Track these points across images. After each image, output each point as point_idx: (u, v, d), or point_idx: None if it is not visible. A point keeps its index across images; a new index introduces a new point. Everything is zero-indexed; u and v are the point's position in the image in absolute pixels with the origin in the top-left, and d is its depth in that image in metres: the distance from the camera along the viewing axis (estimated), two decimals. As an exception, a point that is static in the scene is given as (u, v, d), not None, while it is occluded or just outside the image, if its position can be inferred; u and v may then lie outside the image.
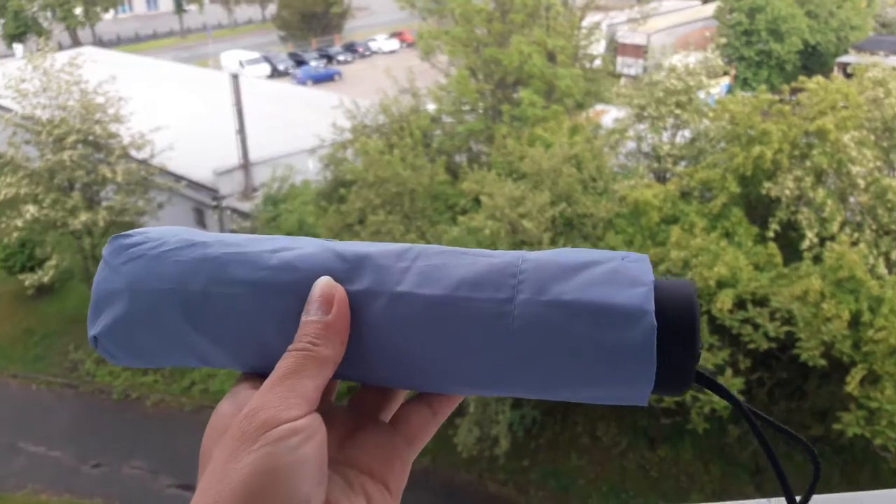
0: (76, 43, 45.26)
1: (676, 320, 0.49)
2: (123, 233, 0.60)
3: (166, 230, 0.59)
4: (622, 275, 0.51)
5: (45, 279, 16.25)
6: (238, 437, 0.48)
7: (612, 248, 12.02)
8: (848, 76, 15.10)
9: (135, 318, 0.56)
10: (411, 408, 0.59)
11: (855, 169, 11.85)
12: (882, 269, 11.46)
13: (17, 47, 42.46)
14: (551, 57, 17.25)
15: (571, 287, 0.51)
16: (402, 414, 0.59)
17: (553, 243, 12.13)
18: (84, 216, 15.53)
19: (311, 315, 0.53)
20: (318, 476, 0.49)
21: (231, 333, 0.55)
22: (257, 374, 0.55)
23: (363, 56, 44.35)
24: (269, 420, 0.48)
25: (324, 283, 0.54)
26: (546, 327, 0.50)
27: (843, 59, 26.21)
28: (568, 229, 12.74)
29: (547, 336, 0.50)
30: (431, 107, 17.02)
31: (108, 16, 52.92)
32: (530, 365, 0.51)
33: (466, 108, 16.95)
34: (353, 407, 0.60)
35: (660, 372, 0.49)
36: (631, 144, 15.40)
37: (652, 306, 0.49)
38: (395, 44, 45.41)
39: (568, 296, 0.50)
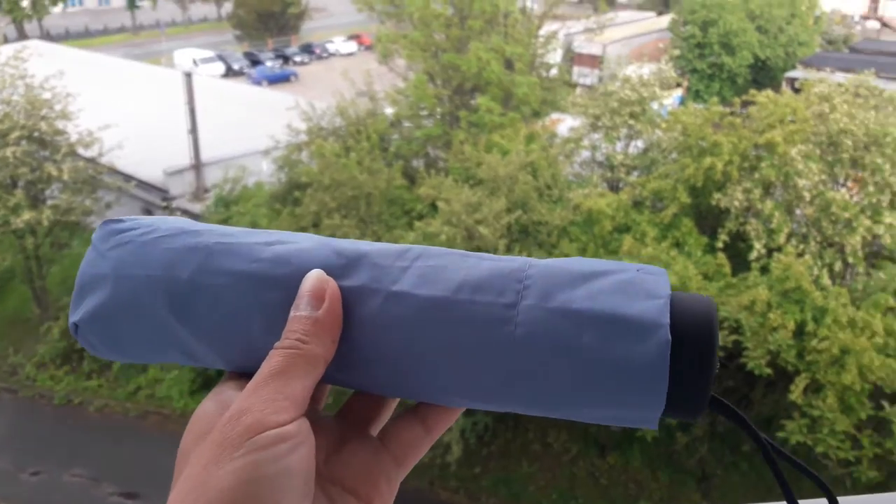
0: (22, 36, 43.88)
1: (693, 338, 0.45)
2: (115, 218, 0.57)
3: (160, 219, 0.57)
4: (636, 286, 0.47)
5: (-16, 279, 15.68)
6: (220, 442, 0.44)
7: (566, 255, 12.15)
8: (796, 91, 15.54)
9: (118, 305, 0.53)
10: (403, 424, 0.55)
11: (801, 182, 12.18)
12: (826, 281, 11.78)
13: (-40, 38, 41.02)
14: (509, 64, 17.36)
15: (580, 295, 0.47)
16: (393, 430, 0.55)
17: (509, 250, 12.17)
18: (27, 215, 15.04)
19: (301, 310, 0.49)
20: (304, 489, 0.45)
21: (216, 327, 0.51)
22: (244, 374, 0.51)
23: (320, 58, 43.99)
24: (254, 424, 0.44)
25: (315, 276, 0.50)
26: (551, 336, 0.46)
27: (792, 74, 26.97)
28: (523, 236, 12.81)
29: (551, 346, 0.46)
30: (389, 111, 16.96)
31: (57, 9, 51.48)
32: (531, 377, 0.47)
33: (424, 112, 16.94)
34: (341, 418, 0.55)
35: (672, 392, 0.45)
36: (585, 153, 15.57)
37: (667, 320, 0.45)
38: (352, 46, 45.16)
39: (576, 304, 0.46)
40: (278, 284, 0.51)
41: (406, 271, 0.50)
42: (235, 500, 0.42)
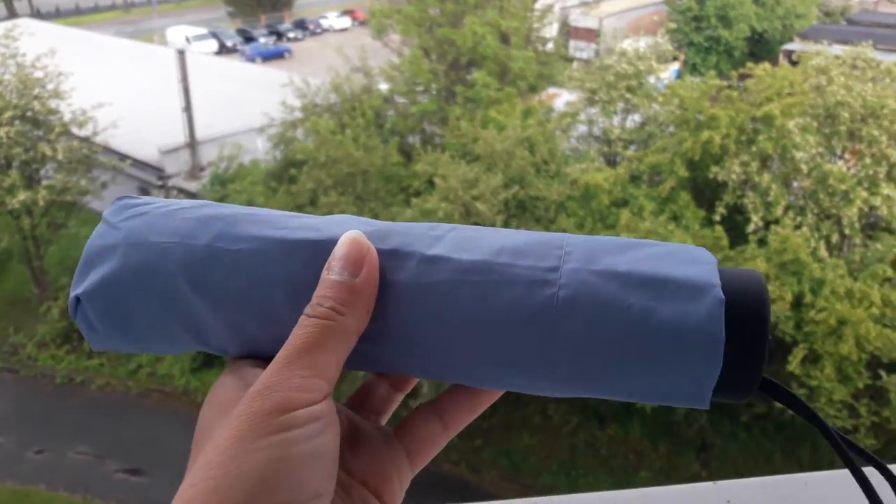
0: (12, 14, 43.36)
1: (746, 307, 0.42)
2: (132, 196, 0.54)
3: (182, 201, 0.53)
4: (681, 253, 0.46)
5: (-19, 260, 15.67)
6: (248, 418, 0.42)
7: (564, 231, 12.27)
8: (793, 63, 15.50)
9: (126, 274, 0.49)
10: (420, 418, 0.52)
11: (798, 154, 12.19)
12: (823, 252, 11.85)
13: (-52, 17, 40.54)
14: (505, 39, 17.25)
15: (626, 259, 0.45)
16: (410, 423, 0.52)
17: (506, 225, 12.20)
18: (23, 195, 14.98)
19: (335, 273, 0.45)
20: (331, 469, 0.44)
21: (235, 296, 0.47)
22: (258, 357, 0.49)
23: (314, 34, 43.61)
24: (285, 402, 0.42)
25: (353, 237, 0.46)
26: (596, 298, 0.43)
27: (789, 46, 26.87)
28: (520, 212, 12.83)
29: (596, 309, 0.43)
30: (384, 86, 16.87)
31: (47, -14, 50.80)
32: (574, 346, 0.43)
33: (420, 88, 16.87)
34: (352, 405, 0.54)
35: (726, 362, 0.42)
36: (582, 128, 15.54)
37: (718, 281, 0.43)
38: (346, 22, 44.76)
39: (622, 267, 0.44)
40: (305, 248, 0.47)
41: (440, 239, 0.48)
42: (265, 479, 0.40)
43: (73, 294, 0.52)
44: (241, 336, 0.49)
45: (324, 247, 0.47)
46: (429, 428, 0.52)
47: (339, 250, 0.46)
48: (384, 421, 0.55)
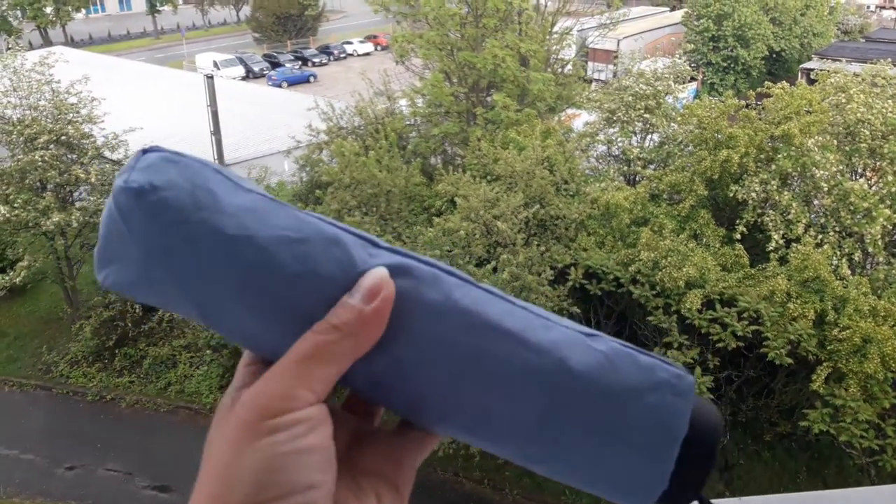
0: (47, 42, 44.57)
1: (690, 474, 0.52)
2: (133, 186, 0.51)
3: (184, 185, 0.52)
4: (659, 419, 0.52)
5: (17, 280, 16.06)
6: (239, 426, 0.47)
7: (585, 250, 12.13)
8: (811, 82, 15.53)
9: (148, 289, 0.53)
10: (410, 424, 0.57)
11: (819, 172, 12.18)
12: (845, 270, 11.75)
13: (-14, 46, 41.72)
14: (524, 61, 17.47)
15: (601, 422, 0.52)
16: (405, 427, 0.57)
17: (526, 244, 12.31)
18: (57, 217, 15.38)
19: (352, 298, 0.50)
20: (323, 464, 0.48)
21: (248, 344, 0.53)
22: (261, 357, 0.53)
23: (338, 58, 44.27)
24: (267, 410, 0.47)
25: (378, 273, 0.50)
26: (568, 446, 0.52)
27: (807, 65, 26.82)
28: (541, 230, 12.94)
29: (565, 450, 0.52)
30: (406, 109, 17.13)
31: (80, 15, 52.19)
32: (535, 458, 0.53)
33: (441, 110, 17.10)
34: (348, 409, 0.59)
35: (672, 481, 0.51)
36: (601, 148, 15.66)
37: (670, 466, 0.51)
38: (369, 47, 45.40)
39: (597, 432, 0.52)
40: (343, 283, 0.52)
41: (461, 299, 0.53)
42: (257, 480, 0.45)
43: (99, 276, 0.55)
44: (248, 340, 0.53)
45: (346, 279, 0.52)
46: (416, 432, 0.56)
47: (363, 280, 0.50)
48: (378, 420, 0.60)
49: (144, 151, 0.53)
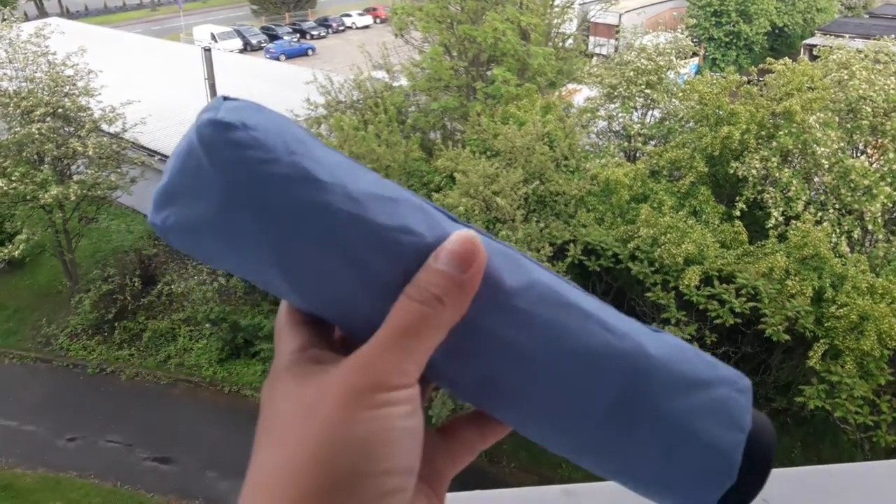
0: (42, 13, 44.11)
1: (752, 473, 0.52)
2: (225, 120, 0.48)
3: (274, 130, 0.49)
4: (728, 410, 0.52)
5: (16, 253, 16.05)
6: (351, 391, 0.44)
7: (584, 226, 12.10)
8: (814, 58, 15.43)
9: (215, 233, 0.49)
10: (461, 424, 0.56)
11: (819, 150, 12.16)
12: (844, 248, 11.80)
13: (-19, 17, 41.28)
14: (524, 35, 17.32)
15: (678, 407, 0.51)
16: (453, 427, 0.56)
17: (526, 220, 12.31)
18: (55, 190, 15.34)
19: (443, 264, 0.46)
20: (419, 449, 0.47)
21: (319, 299, 0.50)
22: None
23: (336, 31, 43.88)
24: (384, 381, 0.45)
25: (467, 235, 0.47)
26: (638, 435, 0.51)
27: (810, 41, 26.63)
28: (540, 207, 12.93)
29: (634, 440, 0.51)
30: (405, 83, 17.03)
31: (75, -14, 51.56)
32: (599, 447, 0.52)
33: (440, 84, 16.99)
34: None
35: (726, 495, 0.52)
36: (602, 123, 15.60)
37: (739, 458, 0.51)
38: (368, 19, 44.98)
39: (673, 417, 0.51)
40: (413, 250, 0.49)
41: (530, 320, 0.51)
42: (368, 448, 0.43)
43: (158, 218, 0.51)
44: (311, 307, 0.51)
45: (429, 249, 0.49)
46: (468, 434, 0.55)
47: (450, 244, 0.47)
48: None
49: (226, 98, 0.51)
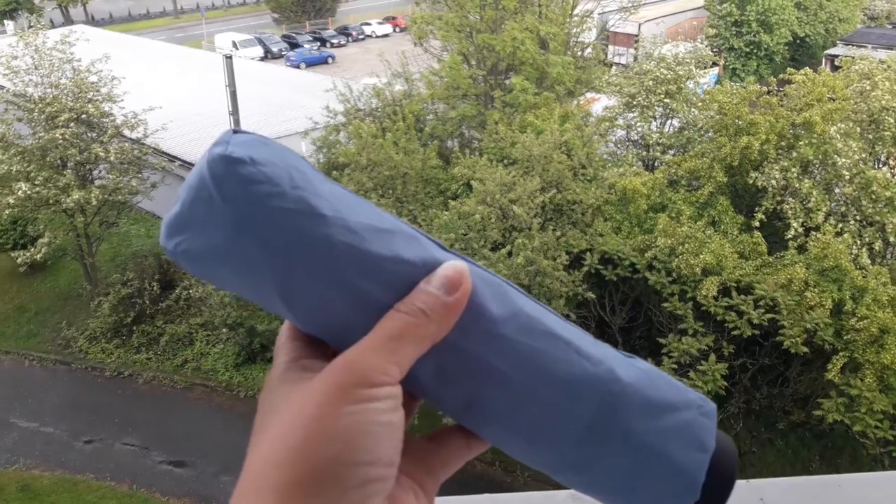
0: (68, 21, 44.83)
1: (715, 490, 0.56)
2: (234, 155, 0.52)
3: (280, 164, 0.52)
4: (693, 432, 0.56)
5: (38, 256, 16.28)
6: (334, 387, 0.48)
7: (601, 235, 12.07)
8: (836, 68, 15.31)
9: (222, 260, 0.53)
10: (450, 434, 0.59)
11: (840, 160, 12.04)
12: (865, 260, 11.66)
13: (9, 24, 42.04)
14: (543, 44, 17.34)
15: (646, 429, 0.55)
16: (440, 437, 0.59)
17: (542, 229, 12.29)
18: (76, 194, 15.54)
19: (433, 287, 0.51)
20: (400, 444, 0.50)
21: (314, 321, 0.54)
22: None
23: (356, 40, 44.17)
24: (366, 378, 0.48)
25: (455, 266, 0.53)
26: (610, 454, 0.55)
27: (832, 51, 26.42)
28: (557, 215, 12.90)
29: (607, 458, 0.55)
30: (424, 91, 17.09)
31: (100, -6, 52.37)
32: (576, 465, 0.56)
33: (459, 93, 17.04)
34: None
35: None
36: (620, 132, 15.56)
37: (702, 477, 0.55)
38: (388, 28, 45.22)
39: (642, 438, 0.55)
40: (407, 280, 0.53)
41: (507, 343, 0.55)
42: (350, 440, 0.46)
43: (170, 245, 0.54)
44: (306, 327, 0.55)
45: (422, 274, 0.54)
46: (455, 444, 0.59)
47: (441, 270, 0.52)
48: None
49: (235, 132, 0.54)
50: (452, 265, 0.53)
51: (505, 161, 13.41)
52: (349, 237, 0.52)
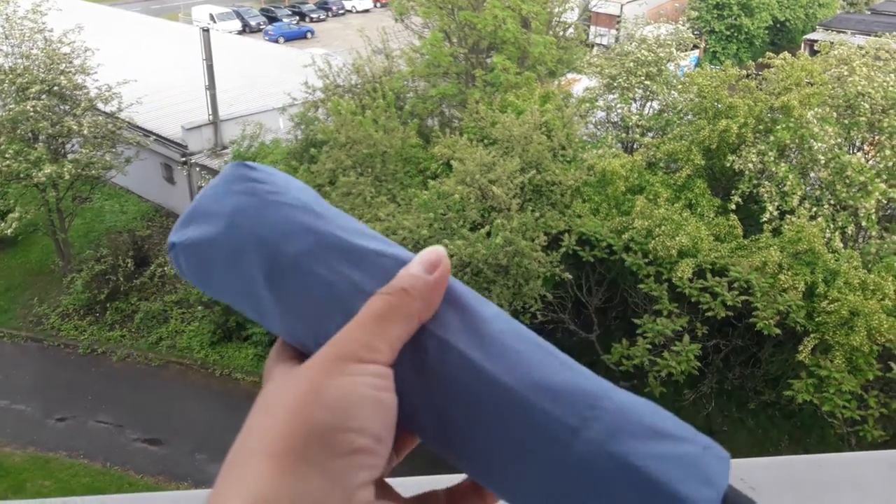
0: (38, -10, 43.76)
1: None
2: (249, 164, 0.59)
3: (290, 181, 0.59)
4: (699, 467, 0.48)
5: (8, 231, 15.99)
6: (325, 361, 0.50)
7: (579, 216, 12.09)
8: (814, 53, 15.39)
9: (219, 246, 0.56)
10: (467, 489, 0.58)
11: (816, 145, 12.15)
12: (838, 243, 11.82)
13: (-23, -8, 40.97)
14: (525, 23, 17.23)
15: (644, 452, 0.48)
16: (458, 491, 0.58)
17: (521, 210, 12.30)
18: (49, 168, 15.26)
19: (413, 269, 0.54)
20: (392, 423, 0.51)
21: (299, 307, 0.55)
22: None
23: (336, 14, 43.64)
24: (353, 354, 0.50)
25: (433, 249, 0.55)
26: (597, 479, 0.48)
27: (811, 36, 26.57)
28: (536, 196, 12.91)
29: (592, 485, 0.48)
30: (405, 68, 16.95)
31: (73, -37, 51.08)
32: (558, 496, 0.49)
33: (439, 71, 16.92)
34: None
35: None
36: (600, 114, 15.56)
37: None
38: (368, 3, 44.71)
39: (637, 460, 0.48)
40: (378, 282, 0.54)
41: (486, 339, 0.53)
42: (343, 407, 0.48)
43: (172, 239, 0.59)
44: (290, 333, 0.57)
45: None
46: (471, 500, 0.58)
47: (420, 254, 0.55)
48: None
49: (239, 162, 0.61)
50: (431, 248, 0.55)
51: (485, 141, 13.37)
52: (338, 231, 0.56)
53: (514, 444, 0.50)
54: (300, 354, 0.55)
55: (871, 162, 12.67)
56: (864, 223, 12.13)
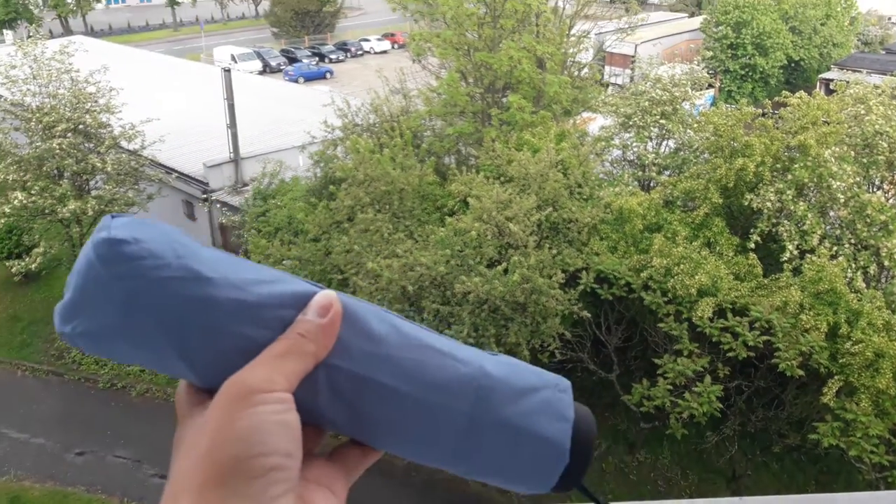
0: (67, 31, 44.93)
1: (579, 452, 0.66)
2: (118, 237, 0.57)
3: (162, 240, 0.59)
4: (554, 406, 0.66)
5: (33, 266, 16.22)
6: (229, 399, 0.57)
7: (597, 255, 12.06)
8: (830, 92, 15.45)
9: (119, 333, 0.58)
10: (347, 450, 0.69)
11: (835, 184, 12.11)
12: (860, 283, 11.68)
13: (8, 34, 42.12)
14: (540, 63, 17.46)
15: (518, 412, 0.64)
16: (339, 454, 0.69)
17: (538, 247, 12.31)
18: (73, 205, 15.52)
19: (308, 315, 0.62)
20: (297, 439, 0.59)
21: (212, 370, 0.60)
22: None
23: (355, 55, 44.40)
24: (255, 387, 0.57)
25: (325, 294, 0.63)
26: (494, 443, 0.64)
27: (826, 75, 26.68)
28: (553, 234, 12.91)
29: (488, 443, 0.64)
30: (422, 108, 17.17)
31: (101, 5, 52.61)
32: (464, 455, 0.65)
33: (456, 110, 17.11)
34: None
35: (557, 482, 0.67)
36: (616, 152, 15.64)
37: (568, 443, 0.65)
38: (386, 44, 45.50)
39: (514, 420, 0.64)
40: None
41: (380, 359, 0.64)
42: (250, 438, 0.56)
43: (65, 329, 0.60)
44: (205, 381, 0.61)
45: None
46: (353, 456, 0.69)
47: (314, 299, 0.63)
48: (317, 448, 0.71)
49: (114, 216, 0.60)
50: (324, 293, 0.63)
51: (501, 179, 13.43)
52: (234, 293, 0.60)
53: (422, 433, 0.64)
54: (207, 391, 0.61)
55: (891, 201, 12.59)
56: (886, 263, 12.01)
